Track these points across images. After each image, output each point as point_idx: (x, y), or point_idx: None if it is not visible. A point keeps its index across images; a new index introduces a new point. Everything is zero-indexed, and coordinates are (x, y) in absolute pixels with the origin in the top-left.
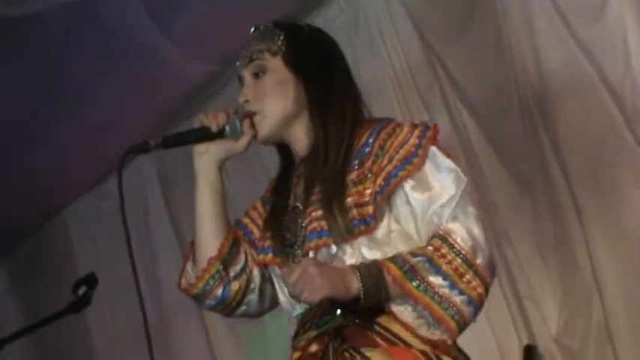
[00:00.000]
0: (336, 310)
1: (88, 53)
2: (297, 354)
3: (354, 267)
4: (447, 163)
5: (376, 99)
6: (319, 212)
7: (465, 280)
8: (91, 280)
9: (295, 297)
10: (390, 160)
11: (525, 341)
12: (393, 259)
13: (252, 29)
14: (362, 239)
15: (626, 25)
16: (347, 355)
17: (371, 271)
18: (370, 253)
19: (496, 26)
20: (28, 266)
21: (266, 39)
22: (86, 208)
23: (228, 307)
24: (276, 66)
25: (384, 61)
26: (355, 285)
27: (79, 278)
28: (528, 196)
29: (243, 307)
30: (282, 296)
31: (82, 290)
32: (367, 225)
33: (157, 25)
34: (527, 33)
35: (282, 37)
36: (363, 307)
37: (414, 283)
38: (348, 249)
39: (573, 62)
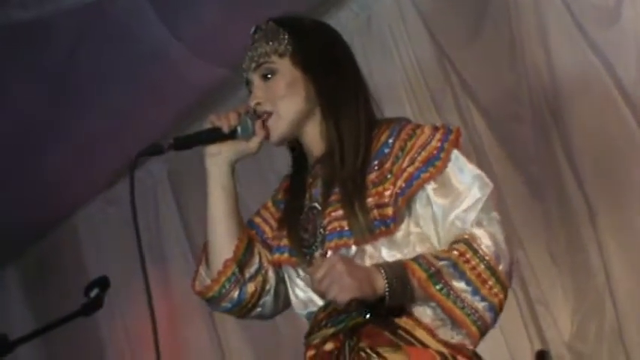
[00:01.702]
0: (363, 310)
1: (98, 57)
2: (311, 352)
3: (378, 266)
4: (471, 167)
5: (388, 102)
6: (339, 212)
7: (487, 286)
8: (103, 283)
9: (320, 294)
10: (412, 162)
11: (537, 346)
12: (417, 261)
13: (253, 29)
14: (382, 240)
15: (639, 28)
16: (363, 354)
17: (396, 271)
18: (389, 254)
19: (509, 30)
20: (39, 269)
21: (271, 40)
22: (96, 211)
23: (243, 309)
24: (285, 67)
25: (396, 64)
26: (381, 285)
27: (92, 281)
28: (540, 200)
29: (259, 309)
30: (294, 295)
31: (94, 293)
32: (387, 226)
33: (168, 29)
34: (539, 36)
35: (287, 37)
36: (387, 307)
37: (437, 287)
38: (368, 249)
39: (586, 66)
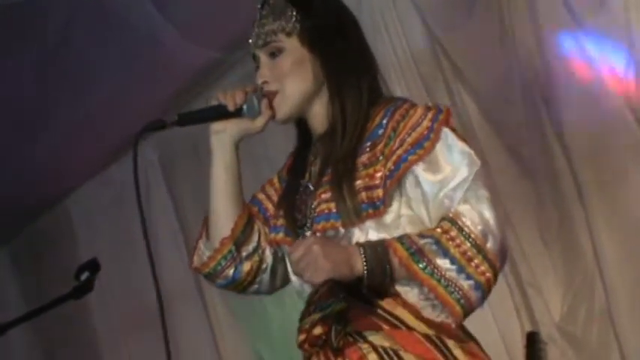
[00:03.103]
0: (339, 293)
1: (89, 39)
2: (302, 336)
3: (359, 245)
4: (460, 145)
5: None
6: (328, 194)
7: (473, 264)
8: (93, 266)
9: (298, 275)
10: (402, 144)
11: (528, 328)
12: (400, 240)
13: (261, 4)
14: (370, 223)
15: (630, 12)
16: (350, 338)
17: (376, 250)
18: (378, 237)
19: (499, 13)
20: (31, 252)
21: (279, 17)
22: (89, 194)
23: (239, 287)
24: (293, 46)
25: (387, 48)
26: (359, 265)
27: (82, 264)
28: (531, 183)
29: (255, 286)
30: (293, 276)
31: (84, 276)
32: (376, 209)
33: (160, 10)
34: (530, 20)
35: (294, 14)
36: (367, 287)
37: (420, 265)
38: (356, 232)
39: (577, 50)
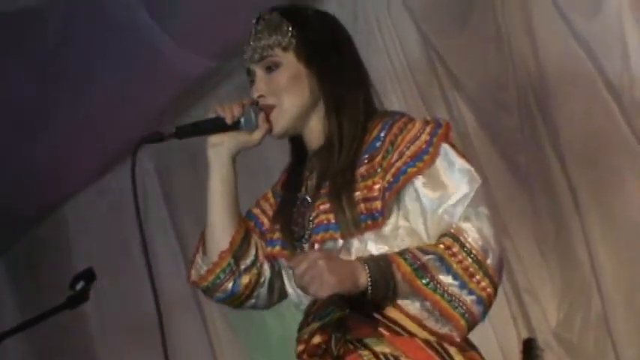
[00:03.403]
0: (343, 305)
1: (86, 47)
2: (301, 346)
3: (362, 260)
4: (461, 161)
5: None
6: (327, 205)
7: (475, 280)
8: (88, 276)
9: (302, 289)
10: (401, 156)
11: (524, 335)
12: (402, 255)
13: (256, 19)
14: (369, 234)
15: (624, 18)
16: (350, 346)
17: (380, 265)
18: (377, 248)
19: (495, 20)
20: (27, 261)
21: (274, 32)
22: (85, 203)
23: (237, 300)
24: (289, 61)
25: (382, 55)
26: (363, 279)
27: (77, 274)
28: (527, 190)
29: (253, 301)
30: (291, 289)
31: (79, 285)
32: (375, 220)
33: (156, 19)
34: (525, 27)
35: (290, 30)
36: (370, 301)
37: (424, 281)
38: (355, 243)
39: (571, 56)
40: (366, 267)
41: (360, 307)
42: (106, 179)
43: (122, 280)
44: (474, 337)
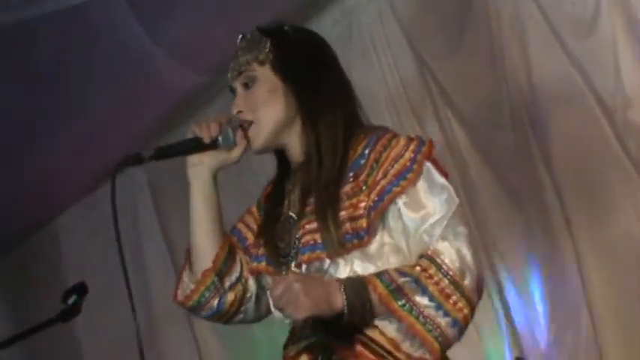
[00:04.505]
0: (319, 328)
1: (77, 62)
2: None
3: (339, 282)
4: (441, 181)
5: (368, 111)
6: (313, 225)
7: (451, 301)
8: (81, 290)
9: (280, 311)
10: (385, 175)
11: (515, 354)
12: (379, 277)
13: (240, 38)
14: (355, 253)
15: (617, 39)
16: None
17: (356, 287)
18: (363, 267)
19: (488, 40)
20: (18, 275)
21: (252, 48)
22: (77, 218)
23: (224, 317)
24: (265, 75)
25: (376, 73)
26: (339, 302)
27: (69, 287)
28: (519, 209)
29: (241, 316)
30: (272, 308)
31: (71, 299)
32: (361, 239)
33: (148, 34)
34: (519, 47)
35: (268, 45)
36: (347, 323)
37: (399, 303)
38: (341, 263)
39: (564, 76)
40: (342, 289)
41: (338, 329)
42: (97, 193)
43: (111, 293)
44: (464, 356)
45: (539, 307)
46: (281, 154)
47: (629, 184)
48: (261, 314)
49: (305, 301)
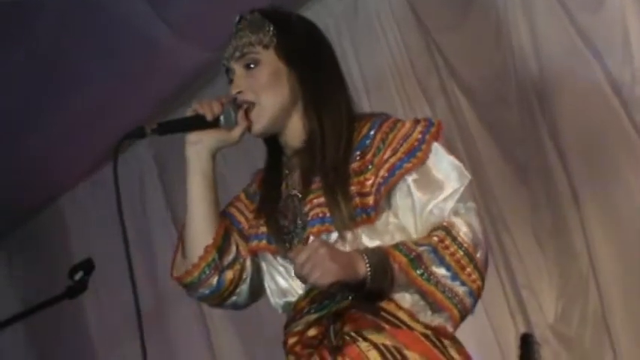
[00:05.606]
0: (344, 294)
1: (82, 39)
2: (293, 339)
3: (360, 251)
4: (451, 159)
5: (375, 86)
6: (321, 199)
7: (466, 272)
8: (87, 266)
9: (302, 278)
10: (394, 152)
11: (522, 329)
12: (397, 247)
13: (237, 19)
14: (362, 228)
15: (626, 13)
16: (348, 338)
17: (377, 256)
18: (370, 242)
19: (495, 14)
20: (25, 252)
21: (256, 31)
22: (83, 194)
23: (220, 297)
24: (269, 58)
25: (382, 47)
26: (362, 269)
27: (76, 264)
28: (526, 184)
29: (234, 297)
30: (273, 283)
31: (78, 275)
32: (368, 215)
33: (154, 10)
34: (526, 20)
35: (272, 29)
36: (369, 291)
37: (418, 271)
38: (349, 236)
39: (572, 50)
40: (365, 257)
41: (359, 298)
42: (103, 171)
43: (118, 270)
44: (472, 332)
45: (547, 282)
46: (270, 140)
47: (637, 159)
48: (252, 298)
49: (332, 265)
